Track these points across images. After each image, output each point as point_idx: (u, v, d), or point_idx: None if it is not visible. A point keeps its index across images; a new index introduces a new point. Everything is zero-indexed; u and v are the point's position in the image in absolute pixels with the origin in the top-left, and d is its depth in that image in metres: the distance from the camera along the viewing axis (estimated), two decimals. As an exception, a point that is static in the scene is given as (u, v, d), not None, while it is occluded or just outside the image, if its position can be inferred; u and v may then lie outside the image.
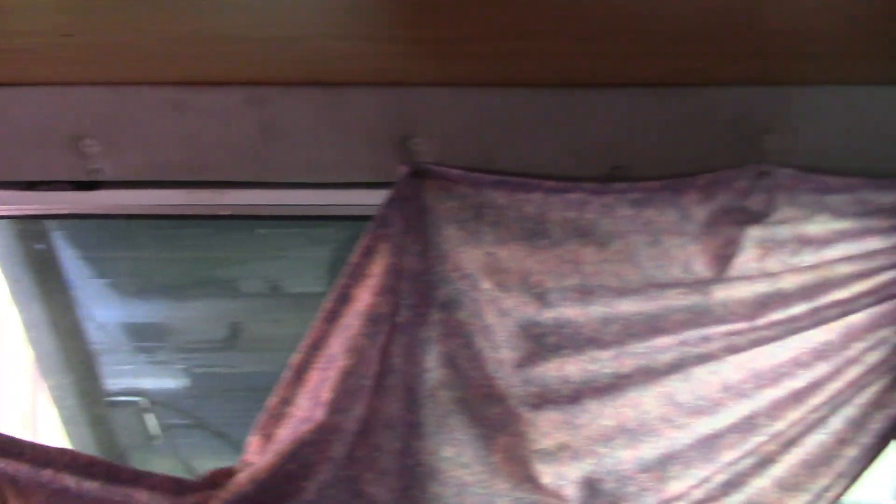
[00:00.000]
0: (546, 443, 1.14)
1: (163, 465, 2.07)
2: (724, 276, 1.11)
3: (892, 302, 1.12)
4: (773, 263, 1.11)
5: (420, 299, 1.12)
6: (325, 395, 1.03)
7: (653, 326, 1.12)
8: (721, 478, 1.16)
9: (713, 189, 1.09)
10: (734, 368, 1.14)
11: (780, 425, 1.15)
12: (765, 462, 1.17)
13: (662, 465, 1.17)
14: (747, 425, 1.16)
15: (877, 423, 1.14)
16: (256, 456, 1.04)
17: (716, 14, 0.86)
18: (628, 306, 1.11)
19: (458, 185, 1.10)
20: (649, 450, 1.16)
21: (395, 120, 1.12)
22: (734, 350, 1.12)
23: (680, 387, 1.15)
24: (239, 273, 1.98)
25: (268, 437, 1.04)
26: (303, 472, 1.02)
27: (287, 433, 1.03)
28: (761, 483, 1.18)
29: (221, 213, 1.26)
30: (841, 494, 1.18)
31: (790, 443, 1.15)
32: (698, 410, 1.15)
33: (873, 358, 1.12)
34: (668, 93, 1.08)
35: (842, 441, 1.16)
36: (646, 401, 1.15)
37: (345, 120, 1.13)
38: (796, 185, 1.08)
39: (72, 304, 1.82)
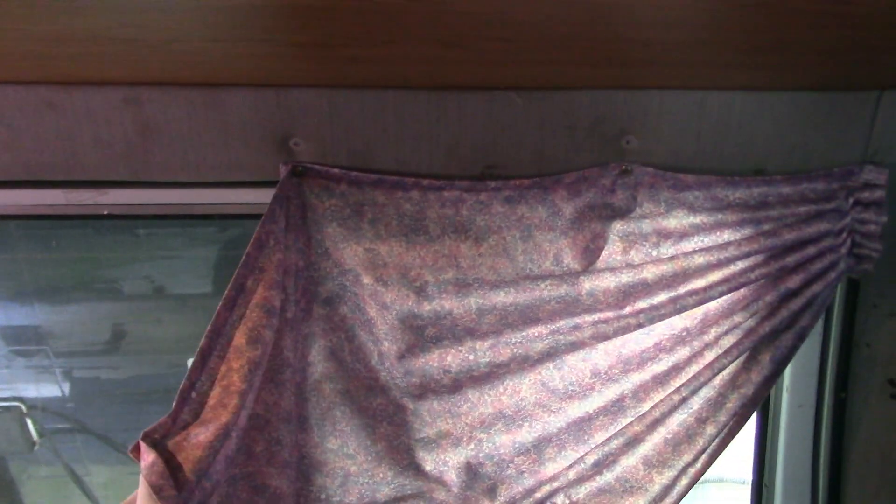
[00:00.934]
0: (428, 431, 1.20)
1: (44, 471, 2.05)
2: (591, 268, 1.19)
3: (744, 289, 1.23)
4: (636, 255, 1.20)
5: (304, 295, 1.16)
6: (239, 384, 1.04)
7: (527, 317, 1.19)
8: (592, 458, 1.25)
9: (580, 186, 1.17)
10: (603, 355, 1.23)
11: (645, 407, 1.25)
12: (632, 442, 1.26)
13: (538, 449, 1.25)
14: (616, 408, 1.25)
15: (733, 403, 1.25)
16: (160, 434, 1.03)
17: (577, 23, 0.93)
18: (503, 298, 1.18)
19: (338, 183, 1.15)
20: (526, 434, 1.24)
21: (274, 120, 1.16)
22: (603, 337, 1.20)
23: (553, 374, 1.23)
24: (120, 274, 1.97)
25: (175, 421, 1.04)
26: (199, 473, 1.03)
27: (204, 418, 1.03)
28: (630, 461, 1.27)
29: (101, 212, 1.27)
30: (703, 470, 1.28)
31: (655, 423, 1.24)
32: (571, 395, 1.24)
33: (728, 342, 1.22)
34: (535, 96, 1.15)
35: (702, 420, 1.25)
36: (522, 388, 1.23)
37: (224, 120, 1.16)
38: (655, 183, 1.17)
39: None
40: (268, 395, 1.14)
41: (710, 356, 1.22)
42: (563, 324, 1.19)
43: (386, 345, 1.17)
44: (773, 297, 1.21)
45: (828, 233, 1.20)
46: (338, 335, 1.18)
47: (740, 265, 1.19)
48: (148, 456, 0.94)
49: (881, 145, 1.25)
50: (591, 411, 1.25)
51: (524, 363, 1.21)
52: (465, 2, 0.87)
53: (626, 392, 1.24)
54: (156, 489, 0.94)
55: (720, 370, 1.22)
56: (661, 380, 1.24)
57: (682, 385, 1.22)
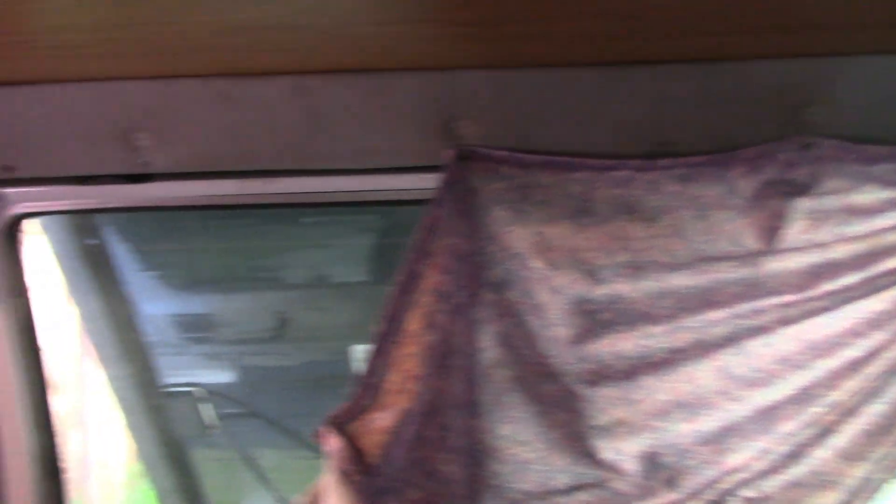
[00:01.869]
0: (603, 419, 1.19)
1: (219, 454, 2.17)
2: (773, 248, 1.14)
3: (947, 268, 1.15)
4: (822, 234, 1.14)
5: (471, 280, 1.17)
6: (417, 369, 1.06)
7: (705, 300, 1.16)
8: (782, 449, 1.20)
9: (758, 162, 1.12)
10: (788, 340, 1.18)
11: (836, 395, 1.19)
12: (825, 432, 1.20)
13: (721, 438, 1.21)
14: (805, 396, 1.20)
15: (935, 390, 1.17)
16: (343, 419, 1.06)
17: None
18: (679, 281, 1.15)
19: (504, 166, 1.15)
20: (706, 423, 1.21)
21: (439, 103, 1.17)
22: (787, 322, 1.15)
23: (734, 360, 1.19)
24: (284, 263, 2.05)
25: (356, 406, 1.07)
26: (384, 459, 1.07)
27: (384, 403, 1.06)
28: (823, 454, 1.21)
29: (270, 201, 1.33)
30: (902, 463, 1.22)
31: (849, 412, 1.18)
32: (754, 383, 1.19)
33: (930, 325, 1.15)
34: (708, 68, 1.11)
35: (900, 409, 1.19)
36: (701, 374, 1.20)
37: (389, 105, 1.19)
38: (841, 156, 1.11)
39: (126, 296, 1.91)
40: (437, 381, 1.16)
41: (908, 340, 1.15)
42: (744, 307, 1.16)
43: (557, 330, 1.17)
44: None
45: None
46: (507, 321, 1.19)
47: (943, 241, 1.12)
48: (334, 441, 0.98)
49: None
50: (776, 399, 1.20)
51: (703, 349, 1.17)
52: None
53: (814, 379, 1.19)
54: (345, 474, 0.98)
55: (920, 355, 1.15)
56: (853, 366, 1.18)
57: (879, 372, 1.16)
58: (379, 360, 1.08)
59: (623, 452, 1.19)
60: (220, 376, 2.11)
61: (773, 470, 1.21)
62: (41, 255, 1.72)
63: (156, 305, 2.01)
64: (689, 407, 1.20)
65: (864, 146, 1.11)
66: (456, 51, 1.11)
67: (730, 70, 1.12)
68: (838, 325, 1.17)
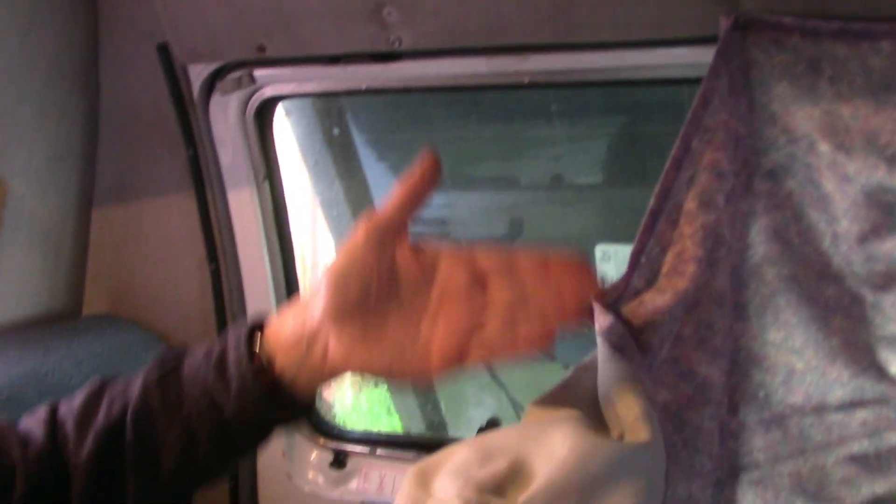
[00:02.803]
0: (893, 328, 1.06)
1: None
2: None
3: None
4: None
5: (744, 167, 1.07)
6: (695, 250, 0.99)
7: None
8: None
9: None
10: None
11: None
12: None
13: None
14: None
15: None
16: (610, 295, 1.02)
17: None
18: None
19: (790, 35, 1.03)
20: None
21: (716, -37, 1.06)
22: None
23: None
24: (525, 160, 2.01)
25: (627, 286, 1.02)
26: (659, 346, 1.01)
27: (659, 286, 1.00)
28: None
29: (522, 80, 1.28)
30: None
31: None
32: None
33: None
34: None
35: None
36: None
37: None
38: None
39: (366, 187, 1.95)
40: (699, 274, 1.07)
41: None
42: None
43: (844, 224, 1.04)
44: None
45: None
46: (783, 213, 1.08)
47: None
48: (604, 319, 0.92)
49: None
50: None
51: None
52: None
53: None
54: (618, 349, 0.93)
55: None
56: None
57: None
58: (650, 238, 1.01)
59: (919, 368, 1.06)
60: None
61: None
62: (286, 140, 1.77)
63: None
64: None
65: None
66: None
67: None
68: None
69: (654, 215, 1.00)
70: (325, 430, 1.75)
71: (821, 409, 1.10)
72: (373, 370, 0.81)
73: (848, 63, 1.02)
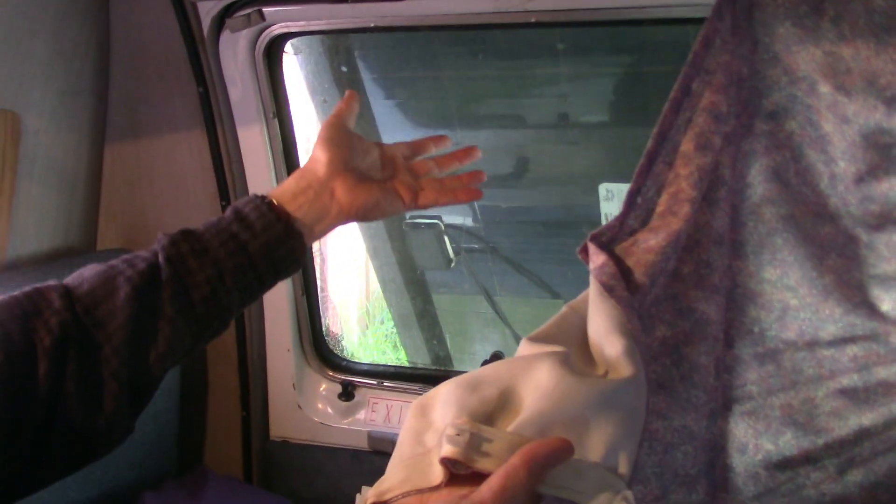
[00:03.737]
0: (885, 267, 1.08)
1: (456, 287, 2.23)
2: None
3: None
4: None
5: (745, 107, 1.08)
6: (689, 191, 1.01)
7: None
8: None
9: None
10: None
11: None
12: None
13: None
14: None
15: None
16: (608, 238, 1.04)
17: None
18: None
19: (794, -24, 1.03)
20: None
21: None
22: None
23: None
24: (529, 99, 2.01)
25: (622, 226, 1.04)
26: (650, 285, 1.03)
27: (653, 226, 1.02)
28: None
29: (528, 19, 1.28)
30: None
31: None
32: None
33: None
34: None
35: None
36: None
37: None
38: None
39: (375, 123, 1.96)
40: (699, 214, 1.09)
41: None
42: None
43: (842, 165, 1.05)
44: None
45: None
46: (783, 153, 1.09)
47: None
48: (598, 257, 0.95)
49: None
50: None
51: None
52: None
53: None
54: (608, 288, 0.95)
55: None
56: None
57: None
58: (647, 179, 1.02)
59: (910, 305, 1.08)
60: (457, 214, 2.15)
61: None
62: (295, 78, 1.78)
63: (398, 137, 2.05)
64: None
65: None
66: None
67: None
68: None
69: (651, 157, 1.02)
70: (333, 363, 1.79)
71: (813, 344, 1.12)
72: (369, 205, 1.08)
73: (850, 3, 1.02)
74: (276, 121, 1.60)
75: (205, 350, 1.72)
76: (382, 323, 3.34)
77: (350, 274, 3.06)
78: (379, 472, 0.76)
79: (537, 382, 0.86)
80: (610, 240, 1.00)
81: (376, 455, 1.65)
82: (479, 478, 0.71)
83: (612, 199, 1.70)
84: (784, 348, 1.14)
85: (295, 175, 1.08)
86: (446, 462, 0.72)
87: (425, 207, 1.18)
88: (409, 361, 2.24)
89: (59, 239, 1.67)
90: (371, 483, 0.74)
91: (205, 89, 1.56)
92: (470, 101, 2.01)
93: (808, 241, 1.10)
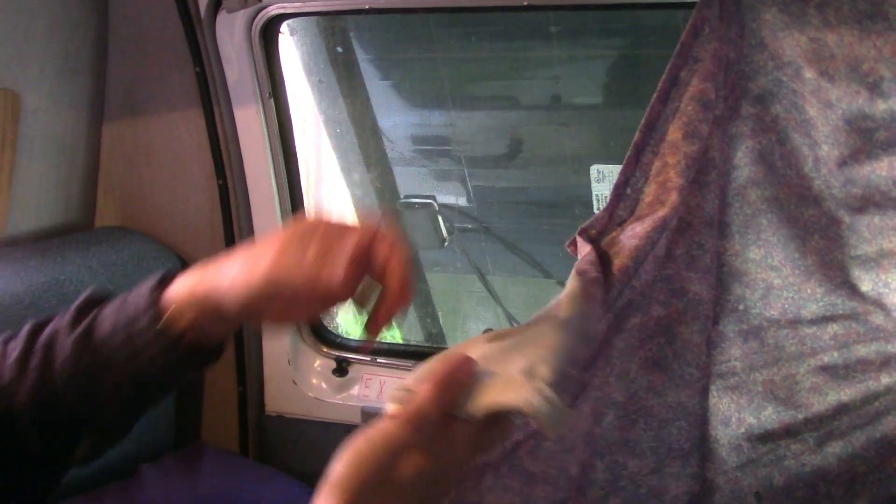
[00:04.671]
0: (866, 249, 1.11)
1: (452, 259, 2.25)
2: None
3: None
4: None
5: (732, 91, 1.10)
6: (677, 180, 1.04)
7: None
8: None
9: None
10: None
11: None
12: None
13: None
14: None
15: None
16: (596, 231, 1.07)
17: None
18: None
19: (780, -38, 1.05)
20: None
21: None
22: None
23: None
24: (523, 81, 2.02)
25: (612, 217, 1.07)
26: (634, 268, 1.06)
27: (639, 215, 1.05)
28: None
29: (521, 1, 1.29)
30: None
31: None
32: None
33: None
34: None
35: None
36: None
37: None
38: None
39: (369, 104, 1.98)
40: (691, 197, 1.11)
41: None
42: None
43: (825, 149, 1.08)
44: None
45: None
46: (768, 137, 1.12)
47: None
48: (584, 248, 0.98)
49: None
50: None
51: None
52: None
53: None
54: (580, 272, 0.98)
55: None
56: None
57: None
58: (636, 170, 1.05)
59: (888, 286, 1.11)
60: (455, 191, 2.16)
61: None
62: (291, 59, 1.79)
63: (393, 118, 2.07)
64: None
65: None
66: None
67: None
68: None
69: (639, 148, 1.05)
70: (328, 339, 1.81)
71: (795, 322, 1.15)
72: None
73: (837, -10, 1.04)
74: (272, 101, 1.62)
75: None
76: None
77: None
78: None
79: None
80: (600, 232, 1.04)
81: (370, 430, 1.68)
82: None
83: (603, 181, 1.73)
84: (767, 326, 1.17)
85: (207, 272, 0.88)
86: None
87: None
88: (402, 338, 2.26)
89: (58, 215, 1.69)
90: None
91: (202, 69, 1.58)
92: (464, 82, 2.02)
93: (792, 222, 1.13)
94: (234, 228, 1.69)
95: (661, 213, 1.03)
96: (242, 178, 1.67)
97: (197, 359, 0.91)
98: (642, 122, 1.04)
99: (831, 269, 1.13)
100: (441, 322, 2.35)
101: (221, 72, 1.59)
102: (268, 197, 1.67)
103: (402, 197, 2.09)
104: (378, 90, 2.02)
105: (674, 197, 1.03)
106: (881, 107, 1.05)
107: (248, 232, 1.70)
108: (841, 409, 1.13)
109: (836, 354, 1.13)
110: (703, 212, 1.11)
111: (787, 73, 1.08)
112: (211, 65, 1.58)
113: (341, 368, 1.77)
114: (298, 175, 1.70)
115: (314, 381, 1.79)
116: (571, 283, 1.01)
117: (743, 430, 1.17)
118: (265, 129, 1.62)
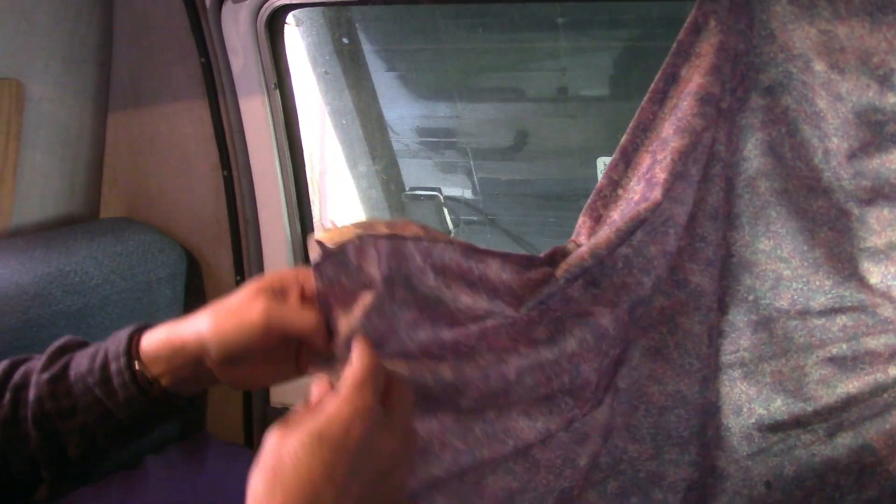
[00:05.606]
0: (875, 241, 1.12)
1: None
2: None
3: None
4: None
5: (742, 82, 1.11)
6: (661, 175, 1.05)
7: None
8: None
9: None
10: None
11: None
12: None
13: None
14: None
15: None
16: (584, 237, 1.11)
17: None
18: None
19: (793, -46, 1.06)
20: None
21: None
22: None
23: None
24: (529, 73, 2.03)
25: (597, 218, 1.10)
26: (642, 263, 1.08)
27: (623, 212, 1.07)
28: None
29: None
30: None
31: None
32: None
33: None
34: None
35: None
36: None
37: None
38: None
39: (375, 95, 1.98)
40: (695, 191, 1.12)
41: None
42: None
43: (835, 141, 1.09)
44: None
45: None
46: (778, 128, 1.12)
47: None
48: (571, 246, 0.99)
49: None
50: None
51: None
52: None
53: None
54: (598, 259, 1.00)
55: None
56: None
57: None
58: (625, 170, 1.07)
59: (896, 278, 1.12)
60: (461, 183, 2.17)
61: None
62: (296, 50, 1.80)
63: (399, 110, 2.08)
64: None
65: None
66: None
67: None
68: None
69: (625, 150, 1.07)
70: (333, 330, 1.81)
71: (804, 313, 1.16)
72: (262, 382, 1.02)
73: (849, -18, 1.05)
74: (277, 92, 1.62)
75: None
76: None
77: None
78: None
79: None
80: (588, 232, 1.06)
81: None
82: None
83: (609, 173, 1.73)
84: (777, 316, 1.18)
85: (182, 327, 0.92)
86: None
87: None
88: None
89: (62, 206, 1.70)
90: None
91: (207, 59, 1.58)
92: (470, 73, 2.03)
93: (801, 214, 1.14)
94: (238, 219, 1.70)
95: (643, 208, 1.04)
96: (248, 169, 1.67)
97: (166, 409, 0.94)
98: (631, 123, 1.07)
99: (840, 261, 1.14)
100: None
101: (227, 62, 1.60)
102: (273, 188, 1.68)
103: (407, 189, 2.10)
104: (384, 81, 2.03)
105: (656, 193, 1.04)
106: (891, 100, 1.06)
107: (253, 223, 1.70)
108: (849, 401, 1.14)
109: (844, 346, 1.14)
110: (706, 204, 1.12)
111: (797, 65, 1.08)
112: (216, 55, 1.58)
113: (346, 360, 1.78)
114: (304, 166, 1.70)
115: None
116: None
117: (753, 420, 1.18)
118: (270, 121, 1.62)
